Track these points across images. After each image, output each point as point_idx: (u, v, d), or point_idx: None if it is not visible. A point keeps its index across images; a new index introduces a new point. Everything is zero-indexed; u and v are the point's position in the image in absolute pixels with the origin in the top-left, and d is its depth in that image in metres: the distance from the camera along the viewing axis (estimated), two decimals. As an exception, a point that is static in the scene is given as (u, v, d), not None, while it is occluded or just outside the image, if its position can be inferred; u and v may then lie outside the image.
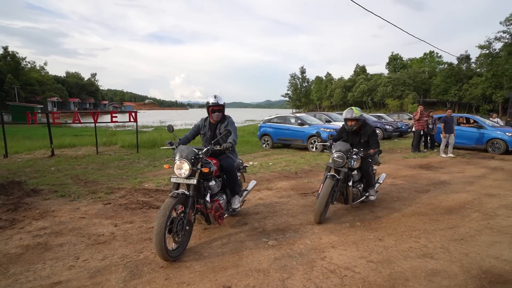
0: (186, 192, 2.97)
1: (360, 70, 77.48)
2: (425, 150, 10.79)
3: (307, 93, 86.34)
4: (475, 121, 11.09)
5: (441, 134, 9.69)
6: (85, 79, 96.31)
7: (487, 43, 43.77)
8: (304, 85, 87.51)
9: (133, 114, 10.69)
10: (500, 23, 42.03)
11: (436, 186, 5.67)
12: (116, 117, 10.72)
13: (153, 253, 2.90)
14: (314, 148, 10.45)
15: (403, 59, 71.86)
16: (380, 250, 2.99)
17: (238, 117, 53.15)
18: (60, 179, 6.13)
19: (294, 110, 78.44)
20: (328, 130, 10.43)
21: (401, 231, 3.50)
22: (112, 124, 14.11)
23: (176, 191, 2.91)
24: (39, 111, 31.88)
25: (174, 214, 2.87)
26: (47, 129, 9.64)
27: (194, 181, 2.98)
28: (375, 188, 4.52)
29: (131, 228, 3.57)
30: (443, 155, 9.46)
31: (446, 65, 58.11)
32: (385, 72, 71.57)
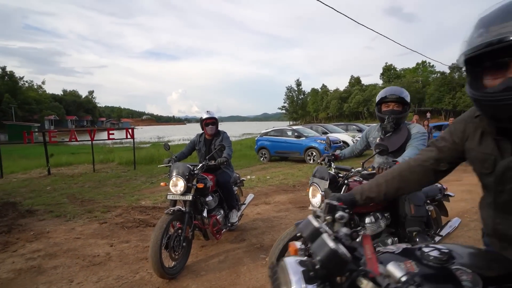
0: (182, 209, 2.97)
1: (355, 81, 78.66)
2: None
3: (303, 105, 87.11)
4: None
5: None
6: (83, 96, 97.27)
7: (477, 52, 44.70)
8: (300, 97, 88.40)
9: (130, 131, 10.73)
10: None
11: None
12: (113, 134, 10.74)
13: (150, 273, 2.85)
14: (312, 160, 10.46)
15: (397, 69, 73.19)
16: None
17: (235, 130, 53.36)
18: (56, 198, 6.06)
19: (291, 122, 78.92)
20: (324, 142, 10.46)
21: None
22: (109, 141, 14.11)
23: (172, 208, 2.93)
24: (36, 130, 31.84)
25: (171, 230, 2.86)
26: (43, 148, 9.62)
27: (189, 197, 3.00)
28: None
29: (127, 248, 3.51)
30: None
31: (438, 74, 59.22)
32: (380, 82, 72.71)
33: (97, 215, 4.84)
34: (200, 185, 3.12)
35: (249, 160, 12.36)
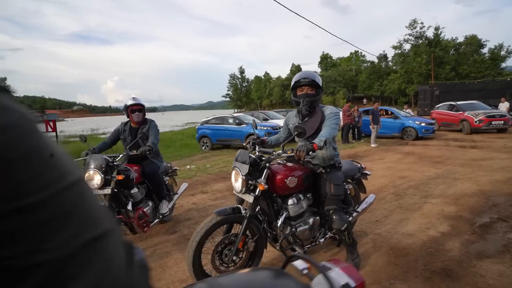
0: (102, 203, 2.73)
1: (296, 69, 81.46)
2: (353, 141, 11.78)
3: (247, 93, 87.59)
4: (392, 113, 12.50)
5: (370, 126, 10.61)
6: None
7: (398, 44, 49.93)
8: (244, 85, 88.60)
9: (51, 123, 9.50)
10: (406, 27, 48.27)
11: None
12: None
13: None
14: (253, 146, 10.59)
15: (333, 58, 77.81)
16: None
17: (178, 120, 51.45)
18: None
19: (236, 110, 78.96)
20: (265, 128, 10.67)
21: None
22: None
23: None
24: None
25: None
26: None
27: (108, 191, 2.83)
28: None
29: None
30: (374, 145, 10.31)
31: (369, 63, 64.75)
32: (318, 70, 76.59)
33: None
34: (120, 177, 2.90)
35: (190, 150, 12.01)
